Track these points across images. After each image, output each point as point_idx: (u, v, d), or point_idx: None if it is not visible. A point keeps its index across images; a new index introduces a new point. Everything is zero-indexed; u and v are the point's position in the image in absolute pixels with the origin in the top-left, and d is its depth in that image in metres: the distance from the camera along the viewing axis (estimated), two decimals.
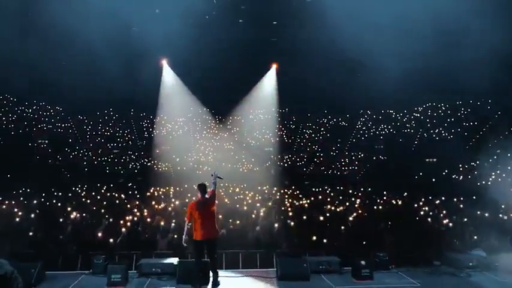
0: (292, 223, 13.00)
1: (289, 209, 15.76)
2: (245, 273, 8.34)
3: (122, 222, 12.07)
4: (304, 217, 13.63)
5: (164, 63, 28.96)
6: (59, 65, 27.07)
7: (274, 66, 29.10)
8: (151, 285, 7.50)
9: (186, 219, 7.39)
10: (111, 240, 10.85)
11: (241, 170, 30.65)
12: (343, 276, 8.08)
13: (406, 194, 19.64)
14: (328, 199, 18.73)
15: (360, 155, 33.18)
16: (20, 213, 12.99)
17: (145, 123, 36.55)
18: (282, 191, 21.40)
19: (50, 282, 7.40)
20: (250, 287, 7.62)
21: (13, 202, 15.76)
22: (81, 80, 29.64)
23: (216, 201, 7.57)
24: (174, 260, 8.04)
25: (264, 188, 22.70)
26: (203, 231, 7.13)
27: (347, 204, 16.88)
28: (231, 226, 12.50)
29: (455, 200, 18.01)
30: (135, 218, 13.00)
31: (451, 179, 26.72)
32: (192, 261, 8.02)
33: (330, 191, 22.05)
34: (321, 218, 13.06)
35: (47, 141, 32.21)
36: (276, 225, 12.91)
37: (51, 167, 29.33)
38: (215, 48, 27.39)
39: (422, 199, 18.35)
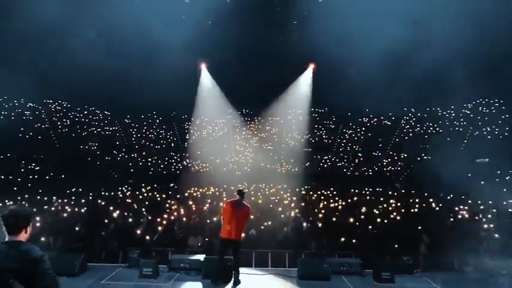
0: (321, 224, 13.26)
1: (322, 210, 15.99)
2: (268, 272, 8.80)
3: (159, 220, 12.95)
4: (334, 219, 13.79)
5: (203, 66, 30.20)
6: (108, 72, 29.09)
7: (311, 66, 29.24)
8: (179, 279, 8.20)
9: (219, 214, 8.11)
10: (147, 237, 11.80)
11: (279, 170, 31.08)
12: (365, 279, 8.27)
13: (447, 196, 19.02)
14: (365, 200, 18.67)
15: (403, 155, 32.29)
16: (69, 211, 14.40)
17: (186, 125, 38.00)
18: (318, 192, 21.55)
19: (90, 272, 8.33)
20: (271, 284, 8.06)
21: (65, 201, 17.44)
22: (127, 85, 31.55)
23: (248, 217, 8.35)
24: (201, 257, 8.70)
25: (302, 189, 23.00)
26: (230, 230, 7.72)
27: (383, 206, 16.75)
28: (262, 226, 13.02)
29: (504, 203, 17.21)
30: (172, 217, 13.90)
31: (504, 181, 25.27)
32: (217, 259, 8.66)
33: (368, 192, 21.87)
34: (351, 220, 13.16)
35: (96, 144, 34.60)
36: (305, 225, 13.26)
37: (100, 168, 31.48)
38: (250, 48, 28.03)
39: (469, 201, 17.72)
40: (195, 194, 22.11)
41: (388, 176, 29.63)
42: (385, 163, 31.96)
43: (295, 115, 34.62)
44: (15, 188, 21.86)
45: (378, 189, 23.58)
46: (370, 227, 12.11)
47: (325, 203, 18.06)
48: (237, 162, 32.83)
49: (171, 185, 25.82)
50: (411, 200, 18.42)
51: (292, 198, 19.19)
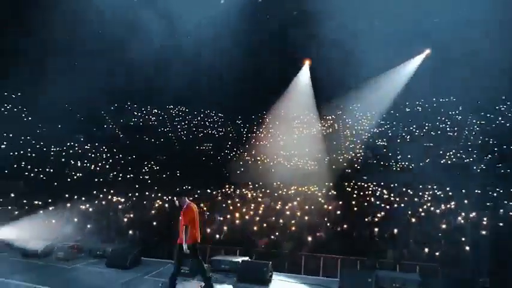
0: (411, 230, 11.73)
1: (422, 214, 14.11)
2: (308, 280, 8.20)
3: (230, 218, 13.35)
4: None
5: (307, 63, 29.96)
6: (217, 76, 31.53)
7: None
8: (216, 280, 8.23)
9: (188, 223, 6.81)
10: (217, 236, 12.26)
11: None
12: None
13: None
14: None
15: None
16: (155, 206, 15.96)
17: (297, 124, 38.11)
18: (420, 194, 19.11)
19: (142, 266, 9.02)
20: None
21: (165, 198, 19.36)
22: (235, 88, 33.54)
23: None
24: (240, 259, 8.60)
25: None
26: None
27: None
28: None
29: None
30: (247, 217, 14.14)
31: None
32: (256, 262, 8.48)
33: None
34: (443, 226, 11.25)
35: (211, 145, 37.52)
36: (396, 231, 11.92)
37: (213, 167, 33.96)
38: None
39: None
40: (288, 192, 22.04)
41: None
42: None
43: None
44: (136, 186, 25.20)
45: None
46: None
47: (425, 207, 15.89)
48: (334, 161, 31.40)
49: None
50: None
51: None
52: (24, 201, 16.19)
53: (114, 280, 7.90)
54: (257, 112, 38.62)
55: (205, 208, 15.43)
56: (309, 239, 11.42)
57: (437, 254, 9.59)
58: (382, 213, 14.01)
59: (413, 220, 13.47)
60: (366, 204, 16.81)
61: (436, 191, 21.03)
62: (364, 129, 33.17)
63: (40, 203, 15.78)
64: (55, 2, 20.60)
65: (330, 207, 15.96)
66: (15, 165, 21.78)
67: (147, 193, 20.69)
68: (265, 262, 8.24)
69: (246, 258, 8.82)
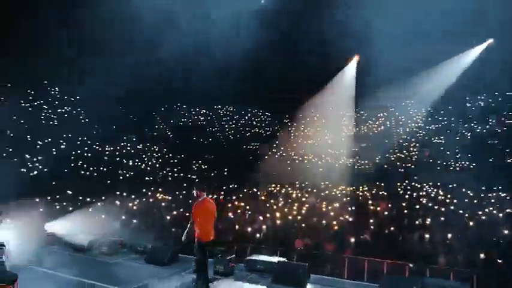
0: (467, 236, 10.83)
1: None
2: (346, 285, 7.82)
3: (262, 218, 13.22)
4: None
5: (355, 59, 29.06)
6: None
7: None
8: (251, 280, 8.11)
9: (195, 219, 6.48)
10: (257, 235, 12.16)
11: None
12: None
13: None
14: None
15: None
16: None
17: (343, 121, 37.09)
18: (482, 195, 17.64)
19: (180, 263, 9.15)
20: None
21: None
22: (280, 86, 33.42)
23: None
24: (276, 260, 8.40)
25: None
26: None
27: None
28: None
29: None
30: (290, 217, 13.88)
31: None
32: (292, 263, 8.26)
33: None
34: (505, 232, 10.24)
35: (258, 144, 37.60)
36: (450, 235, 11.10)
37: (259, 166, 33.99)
38: None
39: None
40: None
41: None
42: None
43: None
44: (184, 185, 25.85)
45: None
46: None
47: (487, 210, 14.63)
48: (401, 159, 29.99)
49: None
50: None
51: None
52: (80, 197, 17.18)
53: (150, 276, 8.08)
54: (305, 110, 38.11)
55: (247, 207, 15.42)
56: (352, 240, 10.93)
57: (499, 261, 8.72)
58: (435, 215, 13.07)
59: (471, 223, 12.46)
60: (417, 205, 15.82)
61: (500, 193, 19.34)
62: (418, 126, 31.44)
63: (93, 200, 16.62)
64: (106, 5, 21.61)
65: (378, 208, 15.25)
66: (72, 164, 23.23)
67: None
68: (301, 264, 8.00)
69: (283, 259, 8.60)
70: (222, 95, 37.16)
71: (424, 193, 19.60)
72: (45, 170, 20.77)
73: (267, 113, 40.63)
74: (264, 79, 33.30)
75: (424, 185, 20.91)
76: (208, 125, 38.87)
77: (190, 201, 18.13)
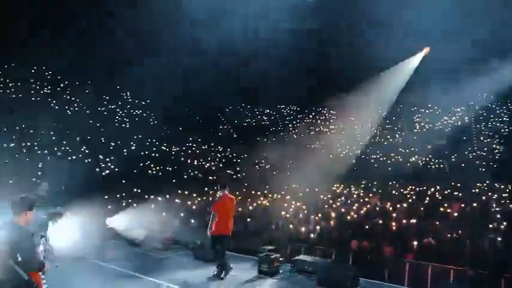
0: None
1: None
2: None
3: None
4: None
5: (425, 51, 27.19)
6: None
7: None
8: (297, 281, 7.84)
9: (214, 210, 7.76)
10: (312, 235, 11.79)
11: None
12: None
13: None
14: None
15: None
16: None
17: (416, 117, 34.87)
18: None
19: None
20: None
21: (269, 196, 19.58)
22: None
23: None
24: (324, 261, 8.02)
25: None
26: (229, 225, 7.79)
27: None
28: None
29: None
30: (348, 217, 13.29)
31: None
32: (339, 266, 7.85)
33: None
34: None
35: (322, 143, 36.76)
36: None
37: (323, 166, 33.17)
38: None
39: None
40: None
41: None
42: None
43: None
44: (245, 184, 26.02)
45: None
46: None
47: None
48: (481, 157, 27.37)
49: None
50: None
51: None
52: (146, 196, 18.14)
53: (194, 271, 8.27)
54: (371, 108, 36.45)
55: (303, 207, 15.07)
56: (415, 243, 10.09)
57: None
58: None
59: None
60: (495, 208, 14.19)
61: None
62: (502, 121, 28.44)
63: (156, 197, 17.43)
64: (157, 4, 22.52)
65: (449, 210, 13.96)
66: (141, 164, 24.65)
67: (252, 192, 21.23)
68: (349, 266, 7.55)
69: (331, 260, 8.19)
70: (287, 94, 37.06)
71: (506, 194, 17.60)
72: (116, 169, 22.27)
73: (331, 111, 39.58)
74: (325, 75, 32.44)
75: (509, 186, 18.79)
76: (272, 125, 38.92)
77: (249, 200, 18.36)
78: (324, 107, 39.04)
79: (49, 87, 29.06)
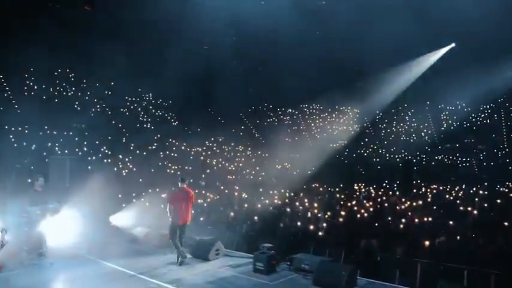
0: None
1: None
2: None
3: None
4: None
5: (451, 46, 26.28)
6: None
7: None
8: (293, 280, 7.49)
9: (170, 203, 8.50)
10: (320, 233, 11.37)
11: None
12: None
13: None
14: None
15: None
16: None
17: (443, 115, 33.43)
18: None
19: (228, 258, 8.91)
20: None
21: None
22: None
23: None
24: (323, 259, 7.64)
25: None
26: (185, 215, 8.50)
27: None
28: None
29: None
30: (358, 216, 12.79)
31: None
32: (336, 264, 7.47)
33: None
34: None
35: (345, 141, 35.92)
36: None
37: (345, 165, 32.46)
38: None
39: None
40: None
41: None
42: None
43: None
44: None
45: None
46: None
47: None
48: None
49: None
50: None
51: None
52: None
53: (190, 269, 8.15)
54: (397, 105, 35.33)
55: (315, 205, 14.62)
56: (427, 243, 9.50)
57: None
58: None
59: None
60: None
61: None
62: None
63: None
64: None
65: (470, 209, 13.15)
66: (159, 164, 24.74)
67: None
68: (347, 265, 7.17)
69: (327, 259, 7.80)
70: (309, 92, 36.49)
71: None
72: (134, 169, 22.45)
73: (355, 110, 38.64)
74: (344, 73, 31.67)
75: None
76: (293, 124, 38.45)
77: (262, 198, 18.03)
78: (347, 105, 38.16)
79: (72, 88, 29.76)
